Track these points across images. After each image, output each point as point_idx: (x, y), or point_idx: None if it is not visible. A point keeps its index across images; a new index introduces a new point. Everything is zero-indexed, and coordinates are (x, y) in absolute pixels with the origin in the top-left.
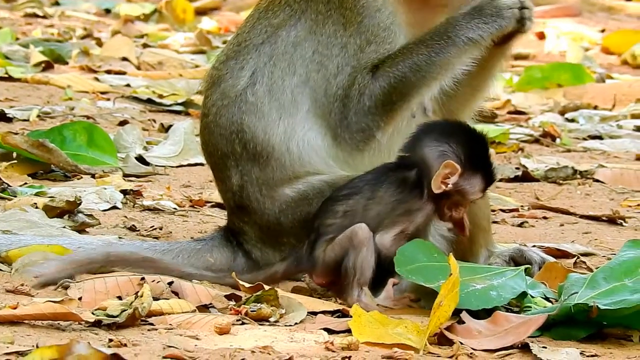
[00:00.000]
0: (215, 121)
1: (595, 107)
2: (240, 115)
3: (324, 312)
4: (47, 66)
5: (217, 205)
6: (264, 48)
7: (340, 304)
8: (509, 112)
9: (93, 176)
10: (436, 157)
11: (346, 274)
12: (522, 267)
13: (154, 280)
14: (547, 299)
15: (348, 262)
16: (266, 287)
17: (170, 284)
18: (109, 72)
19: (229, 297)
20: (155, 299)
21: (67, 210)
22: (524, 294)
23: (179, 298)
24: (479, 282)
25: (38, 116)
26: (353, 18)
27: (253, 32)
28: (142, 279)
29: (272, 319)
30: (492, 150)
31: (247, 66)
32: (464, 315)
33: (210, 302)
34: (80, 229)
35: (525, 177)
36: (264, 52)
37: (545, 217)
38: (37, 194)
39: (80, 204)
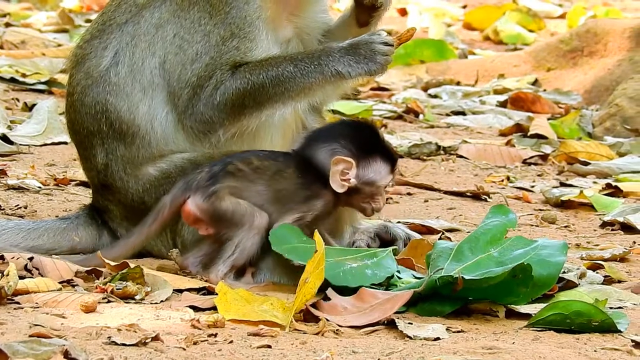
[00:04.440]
0: (80, 100)
1: (458, 83)
2: (105, 95)
3: (189, 290)
4: None
5: (82, 183)
6: (127, 28)
7: (205, 281)
8: (372, 89)
9: None
10: (328, 157)
11: (225, 246)
12: (390, 249)
13: (13, 257)
14: (415, 278)
15: (234, 236)
16: (131, 265)
17: (30, 259)
18: None
19: (90, 273)
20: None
21: None
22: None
23: (40, 274)
24: (352, 262)
25: None
26: (221, 7)
27: (118, 11)
28: (1, 257)
29: (137, 297)
30: (382, 134)
31: (110, 46)
32: (330, 292)
33: (72, 277)
34: None
35: None
36: (126, 32)
37: (409, 193)
38: None
39: None
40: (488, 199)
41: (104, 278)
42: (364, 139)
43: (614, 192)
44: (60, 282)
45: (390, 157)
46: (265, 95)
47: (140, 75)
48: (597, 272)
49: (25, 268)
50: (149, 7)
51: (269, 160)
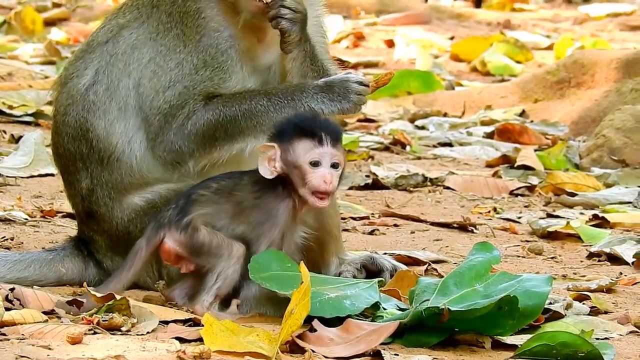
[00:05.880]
0: (62, 121)
1: (445, 115)
2: (84, 114)
3: (175, 321)
4: None
5: (68, 215)
6: (107, 47)
7: (191, 312)
8: (359, 120)
9: None
10: None
11: (206, 277)
12: (375, 280)
13: None
14: (400, 310)
15: (215, 266)
16: (117, 297)
17: (12, 290)
18: None
19: (70, 303)
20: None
21: None
22: (376, 305)
23: (21, 304)
24: (333, 292)
25: None
26: (192, 36)
27: (101, 31)
28: None
29: (124, 328)
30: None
31: (91, 65)
32: (316, 323)
33: (53, 307)
34: None
35: (376, 184)
36: (106, 51)
37: (396, 225)
38: None
39: None
40: (475, 231)
41: (88, 309)
42: (286, 123)
43: (601, 223)
44: (46, 314)
45: (307, 132)
46: (237, 127)
47: (116, 94)
48: (583, 303)
49: (7, 299)
50: (129, 27)
51: (226, 179)
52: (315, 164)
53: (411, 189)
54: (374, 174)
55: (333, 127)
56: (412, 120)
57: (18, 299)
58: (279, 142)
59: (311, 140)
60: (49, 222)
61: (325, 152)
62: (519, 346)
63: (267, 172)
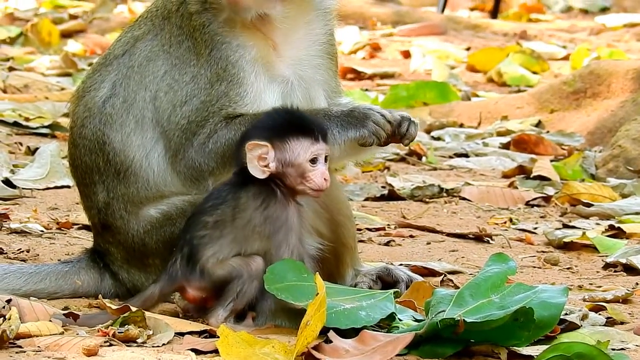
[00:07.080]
0: (79, 133)
1: (461, 125)
2: (101, 127)
3: (191, 333)
4: None
5: (84, 227)
6: (124, 60)
7: (206, 324)
8: None
9: None
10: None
11: (225, 293)
12: (391, 291)
13: None
14: (416, 321)
15: (236, 284)
16: (133, 309)
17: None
18: None
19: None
20: None
21: None
22: (392, 316)
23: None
24: (348, 303)
25: None
26: (202, 50)
27: (118, 44)
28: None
29: (139, 340)
30: (303, 112)
31: (108, 78)
32: (331, 335)
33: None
34: None
35: (392, 195)
36: (123, 64)
37: (412, 236)
38: None
39: None
40: (491, 241)
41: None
42: (277, 121)
43: (617, 233)
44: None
45: (303, 130)
46: None
47: (133, 107)
48: (599, 314)
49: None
50: (143, 40)
51: (220, 207)
52: (313, 160)
53: (427, 199)
54: (390, 185)
55: (321, 123)
56: (428, 131)
57: None
58: (272, 141)
59: (309, 138)
60: (65, 234)
61: (321, 148)
62: (535, 357)
63: (259, 171)
